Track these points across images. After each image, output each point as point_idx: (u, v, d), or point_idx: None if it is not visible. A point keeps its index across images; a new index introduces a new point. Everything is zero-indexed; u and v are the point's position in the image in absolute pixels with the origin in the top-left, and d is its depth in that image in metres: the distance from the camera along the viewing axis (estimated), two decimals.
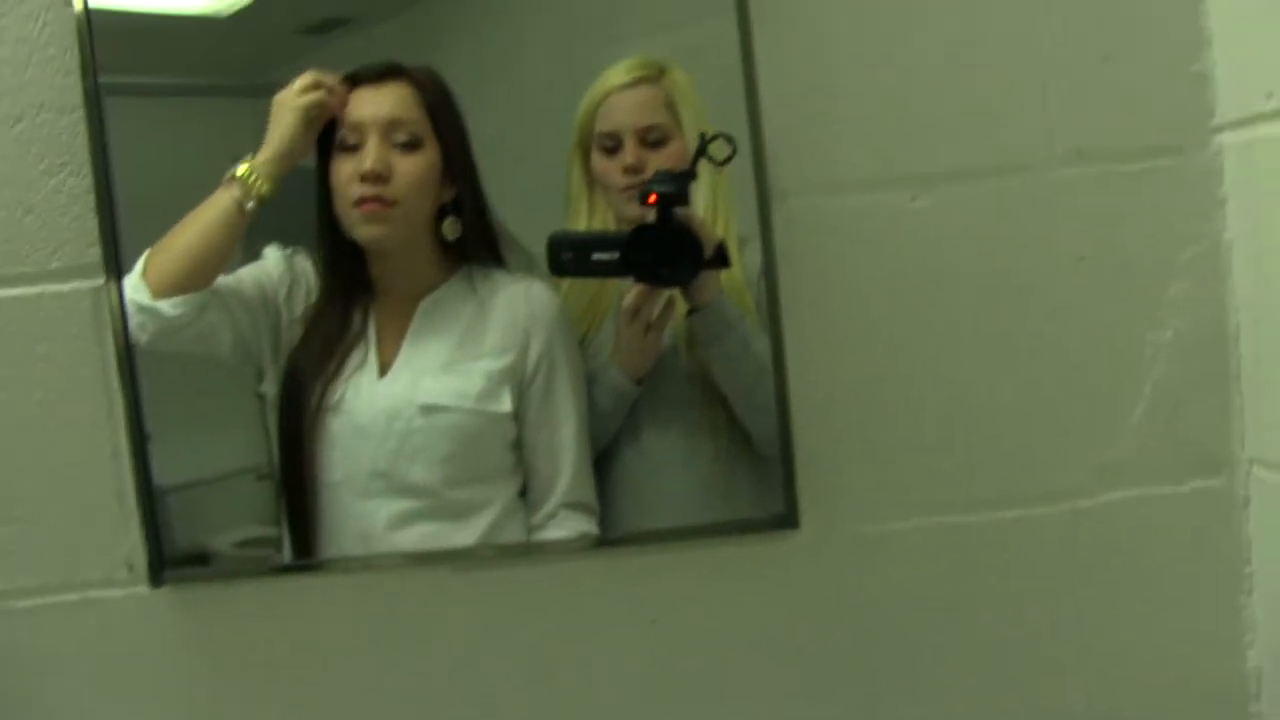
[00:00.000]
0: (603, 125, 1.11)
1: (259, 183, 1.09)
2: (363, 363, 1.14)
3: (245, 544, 1.18)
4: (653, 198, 1.05)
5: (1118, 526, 1.13)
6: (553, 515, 1.14)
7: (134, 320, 1.10)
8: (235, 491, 1.19)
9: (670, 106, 1.11)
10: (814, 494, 1.11)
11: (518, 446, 1.15)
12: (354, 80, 1.12)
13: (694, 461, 1.13)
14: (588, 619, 1.15)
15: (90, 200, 1.11)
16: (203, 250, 1.10)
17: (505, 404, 1.13)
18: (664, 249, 1.05)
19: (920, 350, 1.12)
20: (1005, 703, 1.15)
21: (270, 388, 1.14)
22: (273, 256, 1.15)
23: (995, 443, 1.13)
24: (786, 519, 1.11)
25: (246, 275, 1.14)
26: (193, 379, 1.16)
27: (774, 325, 1.10)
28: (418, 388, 1.13)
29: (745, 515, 1.13)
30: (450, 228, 1.13)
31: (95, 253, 1.12)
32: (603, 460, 1.15)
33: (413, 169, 1.11)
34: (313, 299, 1.15)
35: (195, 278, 1.09)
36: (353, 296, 1.15)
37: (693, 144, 1.08)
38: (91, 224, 1.12)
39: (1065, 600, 1.14)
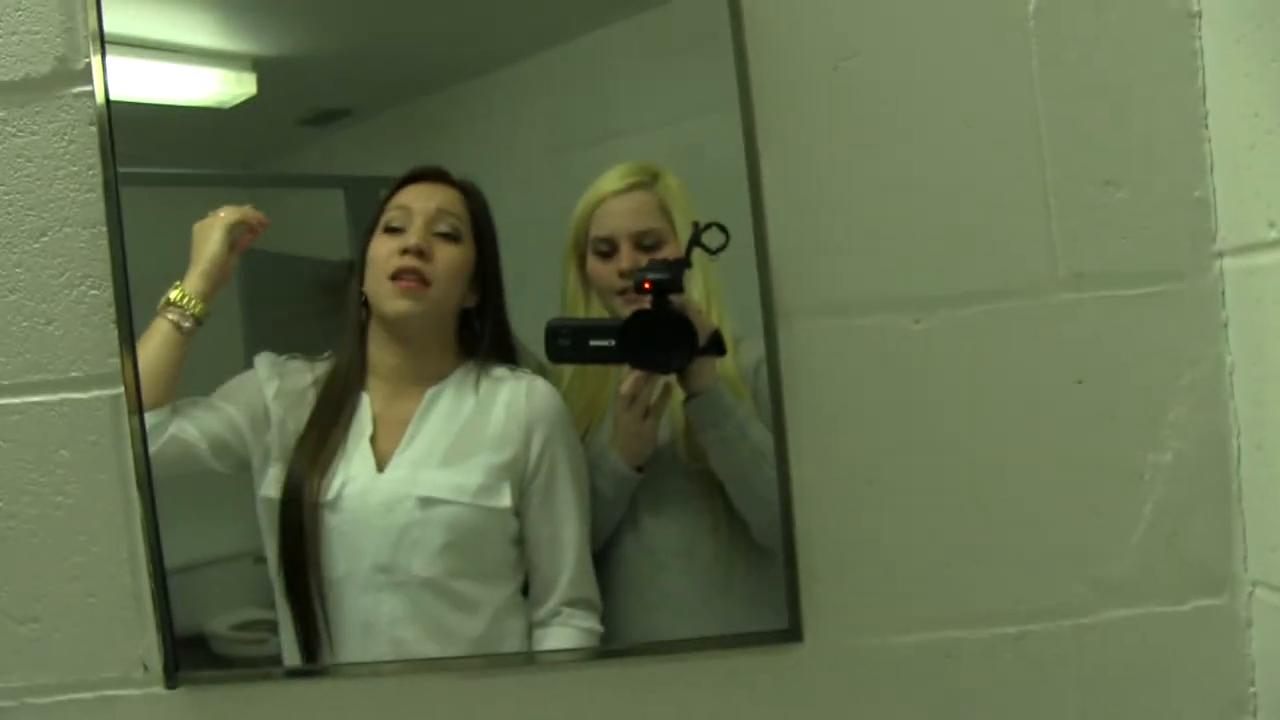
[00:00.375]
0: (598, 230, 1.13)
1: (192, 303, 1.13)
2: (360, 455, 1.16)
3: (242, 626, 1.20)
4: (647, 284, 1.06)
5: (1119, 644, 1.13)
6: (555, 613, 1.15)
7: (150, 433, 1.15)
8: (232, 574, 1.21)
9: (664, 211, 1.12)
10: (817, 607, 1.12)
11: (519, 542, 1.16)
12: (404, 180, 1.17)
13: (695, 559, 1.14)
14: None
15: (110, 312, 1.15)
16: (150, 372, 1.14)
17: (505, 499, 1.14)
18: (659, 335, 1.07)
19: (923, 468, 1.13)
20: None
21: (270, 489, 1.16)
22: (262, 362, 1.18)
23: (996, 560, 1.13)
24: (790, 632, 1.11)
25: (231, 384, 1.18)
26: None
27: (779, 440, 1.11)
28: (416, 481, 1.14)
29: (747, 621, 1.13)
30: (470, 326, 1.18)
31: (114, 363, 1.15)
32: (605, 553, 1.15)
33: (451, 257, 1.15)
34: (307, 396, 1.17)
35: (150, 396, 1.14)
36: (351, 383, 1.18)
37: (685, 246, 1.10)
38: (111, 334, 1.15)
39: (1065, 713, 1.15)
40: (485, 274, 1.17)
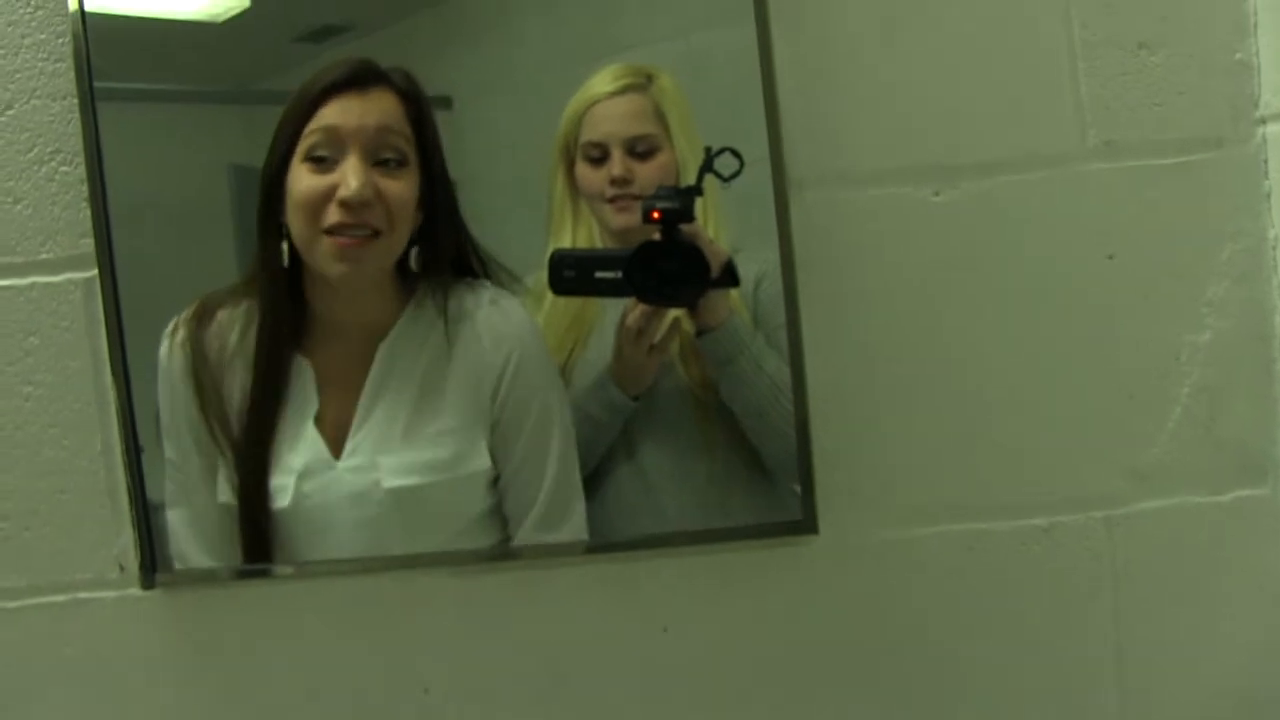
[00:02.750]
0: (588, 134, 1.08)
1: None
2: (307, 442, 1.06)
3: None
4: (656, 213, 1.01)
5: (1153, 536, 1.08)
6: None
7: None
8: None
9: (659, 115, 1.07)
10: (833, 498, 1.06)
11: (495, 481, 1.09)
12: (328, 89, 1.01)
13: (689, 481, 1.10)
14: (598, 625, 1.11)
15: (82, 190, 1.08)
16: None
17: (483, 458, 1.06)
18: (669, 268, 1.02)
19: (943, 351, 1.07)
20: (1032, 715, 1.10)
21: (225, 494, 1.07)
22: (162, 352, 1.08)
23: (1023, 447, 1.07)
24: (804, 524, 1.06)
25: (164, 411, 1.08)
26: None
27: (791, 323, 1.06)
28: (380, 467, 1.05)
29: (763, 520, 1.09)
30: (418, 259, 1.04)
31: (88, 244, 1.08)
32: (595, 476, 1.11)
33: (400, 194, 1.00)
34: (234, 364, 1.06)
35: None
36: (282, 347, 1.05)
37: (685, 155, 1.06)
38: (84, 214, 1.08)
39: (1096, 611, 1.09)
40: (435, 193, 1.03)
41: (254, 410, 1.06)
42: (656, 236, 1.02)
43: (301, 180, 0.99)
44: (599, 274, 1.04)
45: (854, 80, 1.06)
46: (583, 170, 1.09)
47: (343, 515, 1.06)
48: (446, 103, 1.10)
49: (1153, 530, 1.07)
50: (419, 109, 1.02)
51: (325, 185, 0.98)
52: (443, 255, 1.05)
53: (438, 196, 1.03)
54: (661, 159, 1.07)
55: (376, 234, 1.00)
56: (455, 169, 1.07)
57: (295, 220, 1.00)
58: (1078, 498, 1.07)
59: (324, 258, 1.00)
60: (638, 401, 1.09)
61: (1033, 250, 1.06)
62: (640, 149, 1.07)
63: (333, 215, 0.99)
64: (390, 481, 1.04)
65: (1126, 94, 1.06)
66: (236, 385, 1.06)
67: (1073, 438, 1.07)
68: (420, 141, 1.02)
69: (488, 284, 1.07)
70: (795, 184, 1.05)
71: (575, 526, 1.07)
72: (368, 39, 1.14)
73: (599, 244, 1.09)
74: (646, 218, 1.02)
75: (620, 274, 1.03)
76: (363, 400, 1.05)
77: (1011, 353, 1.07)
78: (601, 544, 1.10)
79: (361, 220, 0.99)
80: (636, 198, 1.05)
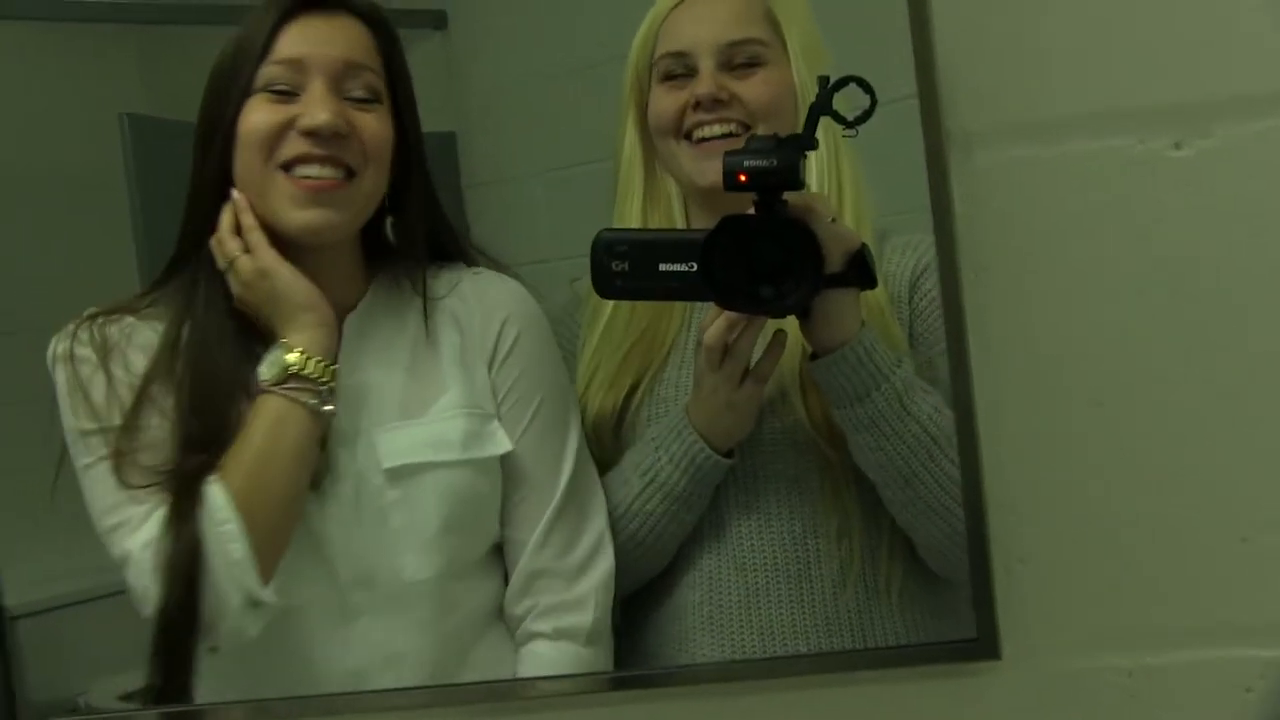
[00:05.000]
0: (669, 44, 0.85)
1: (325, 368, 0.82)
2: None
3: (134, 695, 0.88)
4: (743, 175, 0.74)
5: None
6: (530, 610, 0.87)
7: (240, 619, 0.79)
8: (119, 613, 0.85)
9: (769, 17, 0.85)
10: (1022, 609, 0.78)
11: None
12: (286, 13, 0.85)
13: (811, 583, 0.85)
14: None
15: None
16: (290, 503, 0.82)
17: (502, 441, 0.86)
18: (765, 257, 0.75)
19: (1177, 377, 0.77)
20: None
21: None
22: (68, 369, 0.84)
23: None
24: (983, 645, 0.79)
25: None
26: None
27: (954, 341, 0.77)
28: (375, 444, 0.85)
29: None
30: (395, 229, 0.90)
31: None
32: (673, 572, 0.87)
33: (378, 131, 0.85)
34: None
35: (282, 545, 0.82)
36: (224, 336, 0.85)
37: (805, 75, 0.82)
38: None
39: None
40: (406, 147, 0.88)
41: (199, 411, 0.85)
42: (750, 210, 0.76)
43: (255, 112, 0.84)
44: (664, 265, 0.78)
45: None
46: (658, 96, 0.85)
47: (335, 523, 0.85)
48: (439, 19, 0.96)
49: None
50: (389, 42, 0.87)
51: (284, 116, 0.83)
52: (418, 225, 0.90)
53: (411, 154, 0.88)
54: (769, 76, 0.84)
55: (350, 175, 0.85)
56: (449, 117, 0.94)
57: (244, 160, 0.84)
58: None
59: (282, 202, 0.83)
60: (731, 459, 0.83)
61: None
62: (739, 60, 0.84)
63: (293, 146, 0.83)
64: (391, 459, 0.85)
65: None
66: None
67: None
68: (391, 81, 0.87)
69: (465, 268, 0.92)
70: (958, 139, 0.76)
71: (594, 552, 0.86)
72: None
73: (679, 219, 0.86)
74: (730, 182, 0.74)
75: (693, 266, 0.76)
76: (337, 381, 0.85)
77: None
78: (679, 672, 0.85)
79: (331, 155, 0.84)
80: (733, 134, 0.83)
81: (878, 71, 0.78)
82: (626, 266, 0.79)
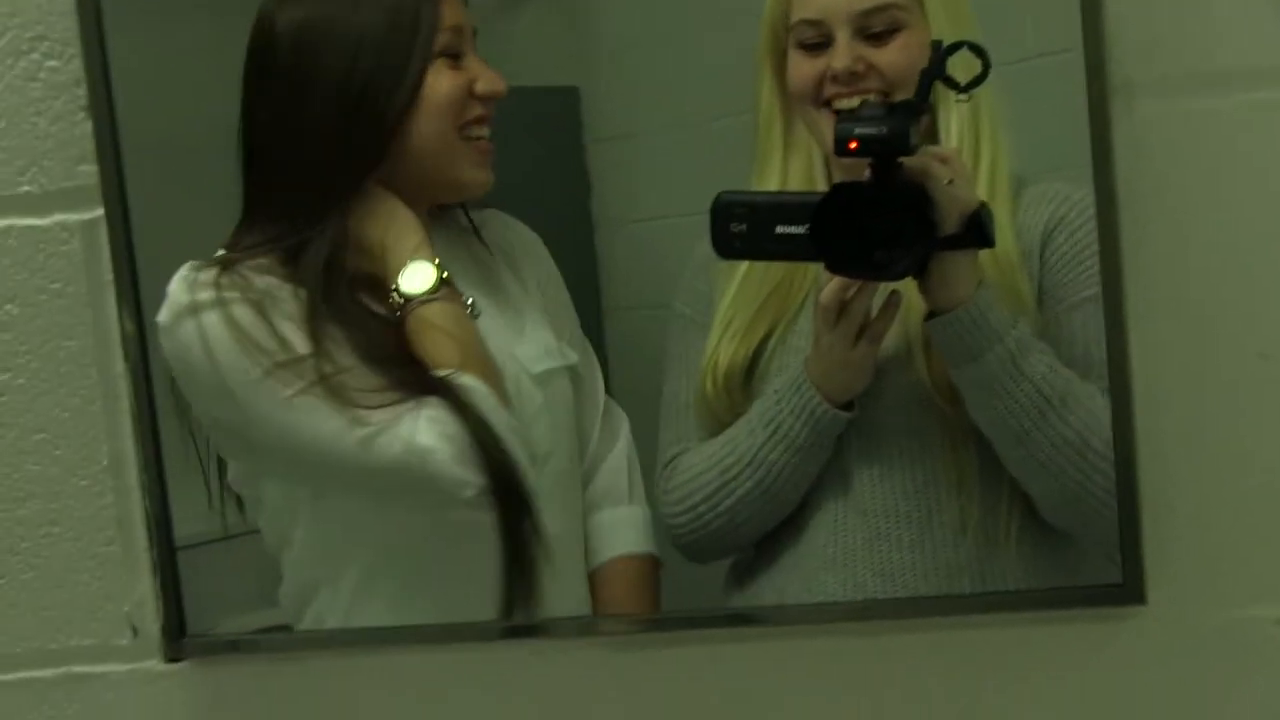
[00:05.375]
0: (803, 11, 0.86)
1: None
2: None
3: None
4: (853, 143, 0.78)
5: None
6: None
7: (530, 476, 0.86)
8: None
9: None
10: (1167, 556, 0.79)
11: None
12: None
13: (933, 528, 0.88)
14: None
15: (80, 94, 0.86)
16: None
17: (569, 354, 0.92)
18: (878, 223, 0.79)
19: None
20: None
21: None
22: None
23: None
24: (1126, 590, 0.80)
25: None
26: None
27: (1110, 295, 0.78)
28: (519, 357, 0.89)
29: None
30: None
31: (89, 172, 0.87)
32: (797, 521, 0.90)
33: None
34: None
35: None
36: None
37: (945, 35, 0.81)
38: (84, 130, 0.87)
39: None
40: None
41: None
42: (866, 174, 0.79)
43: (440, 79, 0.87)
44: (781, 229, 0.82)
45: None
46: (795, 62, 0.86)
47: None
48: None
49: None
50: None
51: (465, 80, 0.88)
52: None
53: None
54: (906, 41, 0.84)
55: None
56: (573, 71, 0.98)
57: (431, 124, 0.86)
58: None
59: (466, 165, 0.88)
60: (849, 413, 0.86)
61: None
62: (876, 28, 0.85)
63: (474, 110, 0.87)
64: (535, 368, 0.90)
65: None
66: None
67: None
68: None
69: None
70: (1121, 88, 0.77)
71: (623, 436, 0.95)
72: None
73: (820, 177, 0.87)
74: (841, 148, 0.78)
75: (807, 229, 0.80)
76: None
77: None
78: (807, 611, 0.88)
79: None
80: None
81: (1032, 22, 0.82)
82: (744, 228, 0.84)
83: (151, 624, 0.91)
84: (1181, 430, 0.81)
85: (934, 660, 0.86)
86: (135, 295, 0.87)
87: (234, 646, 0.93)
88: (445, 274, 0.85)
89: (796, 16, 0.87)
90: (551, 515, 0.86)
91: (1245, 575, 0.81)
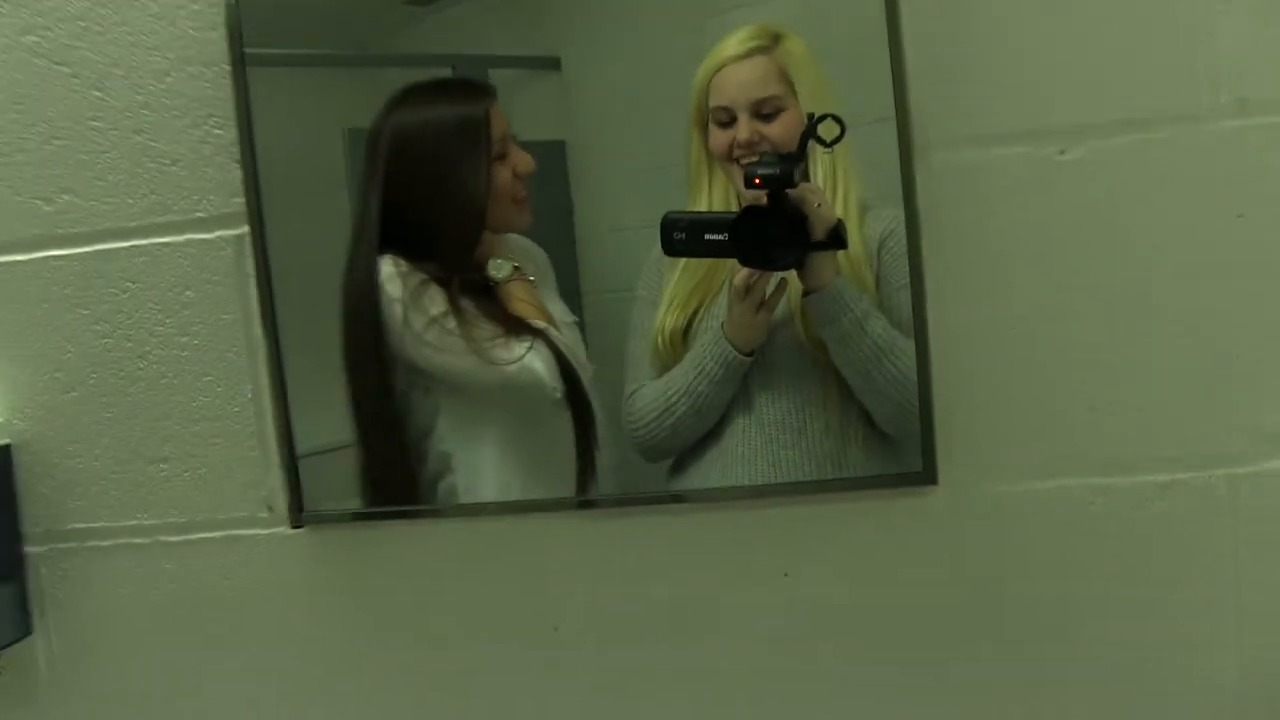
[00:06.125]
0: (716, 99, 1.10)
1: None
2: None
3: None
4: (758, 180, 1.03)
5: (1277, 496, 1.06)
6: None
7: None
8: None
9: (784, 77, 1.08)
10: (953, 451, 1.08)
11: None
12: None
13: (806, 434, 1.12)
14: (720, 569, 1.14)
15: (234, 151, 1.15)
16: None
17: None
18: (772, 232, 1.04)
19: (1068, 308, 1.06)
20: (1145, 679, 1.10)
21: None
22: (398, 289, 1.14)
23: (1147, 405, 1.06)
24: (924, 475, 1.08)
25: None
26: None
27: (915, 280, 1.07)
28: (553, 312, 1.16)
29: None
30: None
31: (239, 202, 1.15)
32: (718, 429, 1.14)
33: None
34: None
35: None
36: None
37: (808, 112, 1.06)
38: (235, 174, 1.15)
39: (1217, 571, 1.07)
40: None
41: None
42: (764, 200, 1.04)
43: (501, 172, 1.13)
44: (708, 236, 1.06)
45: (980, 40, 1.05)
46: (714, 132, 1.10)
47: None
48: (554, 63, 1.15)
49: (1277, 490, 1.06)
50: None
51: (511, 167, 1.13)
52: None
53: None
54: (786, 119, 1.08)
55: None
56: (563, 130, 1.15)
57: (499, 204, 1.13)
58: (1200, 455, 1.06)
59: (515, 215, 1.15)
60: (751, 358, 1.11)
61: (1161, 208, 1.04)
62: (765, 111, 1.08)
63: (519, 187, 1.14)
64: (567, 318, 1.16)
65: (1260, 51, 1.02)
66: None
67: (1198, 397, 1.05)
68: None
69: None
70: (921, 146, 1.05)
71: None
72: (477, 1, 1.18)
73: (733, 204, 1.11)
74: (749, 184, 1.03)
75: (726, 236, 1.05)
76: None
77: (1137, 311, 1.06)
78: (723, 491, 1.13)
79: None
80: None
81: (865, 96, 1.05)
82: (684, 235, 1.07)
83: (281, 504, 1.17)
84: (966, 358, 1.06)
85: (804, 527, 1.12)
86: (269, 284, 1.14)
87: (336, 519, 1.16)
88: (516, 265, 1.13)
89: (713, 102, 1.09)
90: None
91: (1012, 462, 1.07)
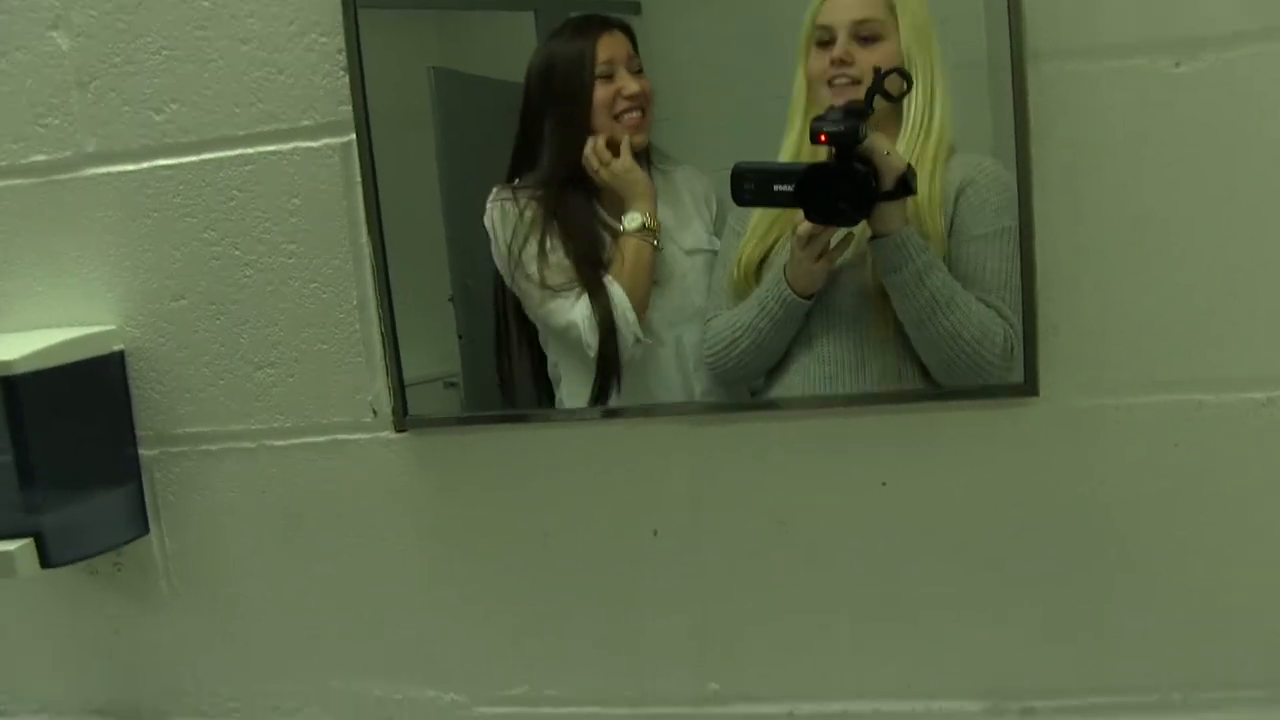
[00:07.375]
0: (821, 18, 1.11)
1: (655, 223, 1.19)
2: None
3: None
4: (822, 137, 1.04)
5: None
6: None
7: (632, 350, 1.20)
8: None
9: (888, 3, 1.09)
10: (1056, 363, 1.09)
11: None
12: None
13: (866, 372, 1.14)
14: (819, 478, 1.16)
15: (340, 59, 1.16)
16: (649, 289, 1.21)
17: (715, 243, 1.21)
18: (837, 189, 1.05)
19: (1175, 223, 1.05)
20: (1246, 592, 1.11)
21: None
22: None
23: (1250, 323, 1.05)
24: (1025, 387, 1.09)
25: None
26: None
27: (1023, 193, 1.07)
28: (678, 241, 1.21)
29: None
30: None
31: (346, 110, 1.16)
32: (781, 366, 1.17)
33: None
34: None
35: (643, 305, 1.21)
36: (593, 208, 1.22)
37: (910, 46, 1.08)
38: (342, 82, 1.16)
39: None
40: None
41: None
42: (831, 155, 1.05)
43: (601, 90, 1.17)
44: (776, 187, 1.08)
45: None
46: (814, 55, 1.11)
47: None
48: (635, 8, 1.17)
49: None
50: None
51: (615, 89, 1.17)
52: None
53: None
54: (885, 47, 1.09)
55: None
56: (651, 72, 1.17)
57: (599, 115, 1.18)
58: None
59: (619, 131, 1.18)
60: (810, 300, 1.13)
61: (1274, 124, 1.03)
62: (864, 33, 1.09)
63: (622, 104, 1.18)
64: (686, 245, 1.20)
65: None
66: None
67: None
68: None
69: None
70: (1033, 56, 1.04)
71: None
72: None
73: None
74: (814, 139, 1.04)
75: (793, 188, 1.06)
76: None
77: (1244, 227, 1.05)
78: (820, 399, 1.14)
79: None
80: (856, 82, 1.08)
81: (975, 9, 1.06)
82: (753, 186, 1.08)
83: (385, 408, 1.20)
84: (1069, 270, 1.07)
85: (903, 437, 1.13)
86: (375, 192, 1.15)
87: (439, 423, 1.21)
88: (647, 222, 1.17)
89: (818, 22, 1.10)
90: (681, 331, 1.19)
91: (1114, 376, 1.08)
